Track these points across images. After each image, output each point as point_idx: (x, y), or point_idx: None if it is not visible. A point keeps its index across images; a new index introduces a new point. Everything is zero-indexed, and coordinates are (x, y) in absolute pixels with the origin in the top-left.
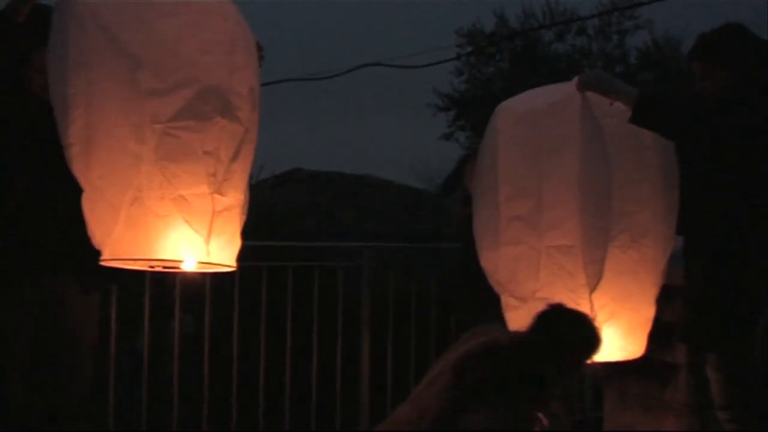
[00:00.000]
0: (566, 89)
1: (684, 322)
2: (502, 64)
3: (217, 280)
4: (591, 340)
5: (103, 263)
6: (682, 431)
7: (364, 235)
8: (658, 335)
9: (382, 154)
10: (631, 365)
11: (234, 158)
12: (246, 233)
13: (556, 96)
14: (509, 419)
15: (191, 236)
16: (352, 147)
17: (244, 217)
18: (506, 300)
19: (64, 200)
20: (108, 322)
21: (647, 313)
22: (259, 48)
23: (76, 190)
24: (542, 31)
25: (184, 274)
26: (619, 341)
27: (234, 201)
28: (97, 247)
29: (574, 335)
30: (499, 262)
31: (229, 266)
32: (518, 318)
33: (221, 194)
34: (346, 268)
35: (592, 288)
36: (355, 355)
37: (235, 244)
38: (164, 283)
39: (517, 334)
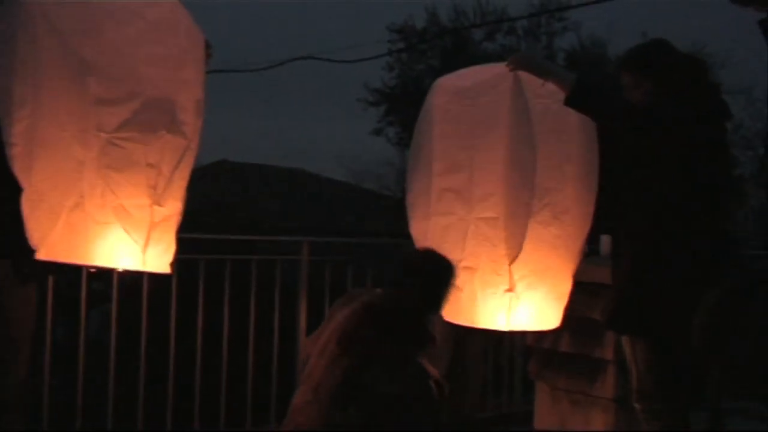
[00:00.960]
0: (500, 68)
1: (610, 307)
2: (432, 62)
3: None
4: (450, 272)
5: (37, 259)
6: (608, 425)
7: (293, 227)
8: (586, 332)
9: (313, 147)
10: (560, 360)
11: (175, 170)
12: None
13: (490, 74)
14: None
15: (129, 245)
16: (279, 139)
17: (179, 222)
18: None
19: (3, 189)
20: (44, 312)
21: (564, 287)
22: (208, 46)
23: (15, 182)
24: (473, 30)
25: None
26: (536, 312)
27: (172, 210)
28: (34, 247)
29: (438, 272)
30: (428, 231)
31: (164, 272)
32: None
33: (160, 205)
34: (285, 261)
35: (512, 259)
36: (292, 348)
37: (170, 252)
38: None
39: (387, 289)
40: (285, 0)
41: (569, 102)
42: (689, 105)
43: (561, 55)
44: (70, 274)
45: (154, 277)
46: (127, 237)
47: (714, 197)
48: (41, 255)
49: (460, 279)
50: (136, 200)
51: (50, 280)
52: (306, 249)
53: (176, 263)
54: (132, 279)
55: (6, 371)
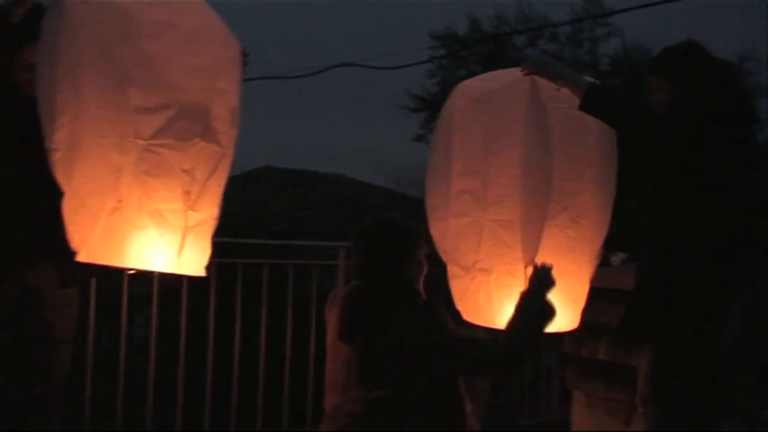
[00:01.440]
0: (518, 73)
1: (624, 314)
2: (474, 68)
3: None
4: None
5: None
6: None
7: (333, 233)
8: (618, 339)
9: (355, 154)
10: (597, 369)
11: (210, 177)
12: (219, 230)
13: (508, 78)
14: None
15: (164, 248)
16: (322, 146)
17: (214, 227)
18: (451, 269)
19: (46, 194)
20: (86, 315)
21: (581, 289)
22: (245, 54)
23: (57, 187)
24: (515, 36)
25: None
26: None
27: (207, 216)
28: (74, 249)
29: (377, 233)
30: (446, 232)
31: (199, 276)
32: (461, 286)
33: (195, 210)
34: (321, 266)
35: (528, 262)
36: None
37: (205, 255)
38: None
39: (357, 272)
40: (328, 8)
41: (583, 107)
42: (710, 107)
43: (605, 60)
44: (112, 277)
45: (193, 280)
46: (163, 240)
47: (732, 201)
48: (81, 257)
49: (476, 280)
50: (171, 205)
51: (93, 283)
52: (343, 255)
53: (214, 267)
54: (172, 283)
55: (45, 373)
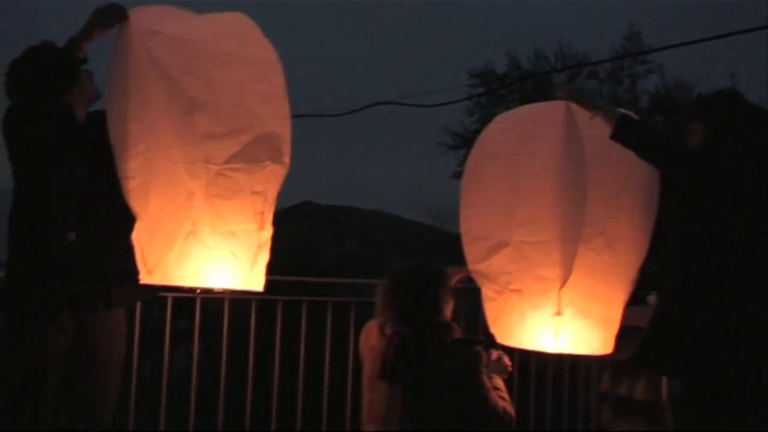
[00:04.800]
0: (553, 102)
1: (641, 342)
2: (512, 106)
3: (235, 309)
4: (422, 276)
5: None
6: None
7: (372, 269)
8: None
9: (393, 190)
10: (635, 408)
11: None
12: None
13: (544, 106)
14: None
15: (236, 267)
16: (362, 182)
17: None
18: (485, 291)
19: (104, 234)
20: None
21: (615, 314)
22: None
23: (117, 223)
24: (554, 74)
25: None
26: (585, 336)
27: (269, 234)
28: (146, 273)
29: (417, 281)
30: (477, 255)
31: (260, 291)
32: (495, 308)
33: (264, 229)
34: (359, 303)
35: (562, 283)
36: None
37: (264, 271)
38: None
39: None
40: (362, 46)
41: (614, 136)
42: (742, 149)
43: (644, 97)
44: (156, 311)
45: (234, 316)
46: (235, 260)
47: (755, 241)
48: (156, 279)
49: (509, 302)
50: (244, 225)
51: (137, 319)
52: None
53: (255, 303)
54: (213, 320)
55: (95, 407)
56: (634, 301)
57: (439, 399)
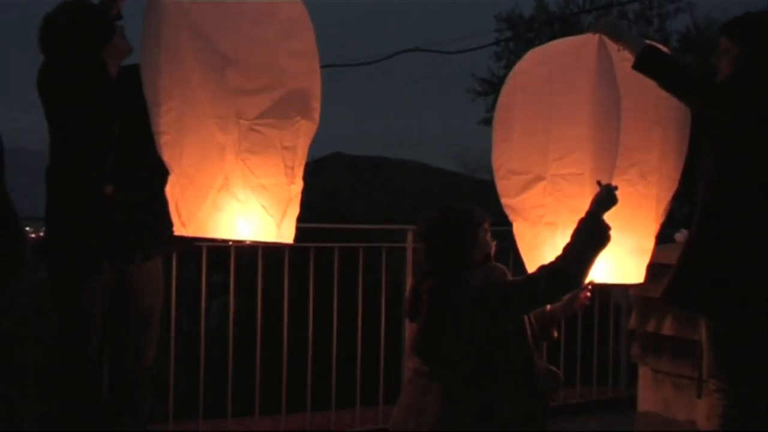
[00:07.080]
0: (586, 36)
1: (672, 279)
2: None
3: (269, 255)
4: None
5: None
6: (711, 409)
7: (403, 219)
8: (689, 314)
9: (424, 139)
10: (663, 344)
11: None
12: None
13: (575, 40)
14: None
15: (266, 220)
16: (391, 132)
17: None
18: (517, 226)
19: (140, 188)
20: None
21: (648, 244)
22: None
23: (151, 176)
24: (582, 16)
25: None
26: (619, 266)
27: (300, 188)
28: (180, 225)
29: (448, 223)
30: (509, 188)
31: (290, 243)
32: (527, 241)
33: (294, 183)
34: (390, 249)
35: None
36: (398, 333)
37: (294, 224)
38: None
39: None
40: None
41: (636, 66)
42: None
43: (675, 37)
44: (192, 266)
45: (267, 264)
46: (265, 213)
47: None
48: (189, 231)
49: (541, 235)
50: (274, 179)
51: (174, 272)
52: (410, 237)
53: (288, 251)
54: (246, 270)
55: (136, 355)
56: (662, 239)
57: (463, 323)
